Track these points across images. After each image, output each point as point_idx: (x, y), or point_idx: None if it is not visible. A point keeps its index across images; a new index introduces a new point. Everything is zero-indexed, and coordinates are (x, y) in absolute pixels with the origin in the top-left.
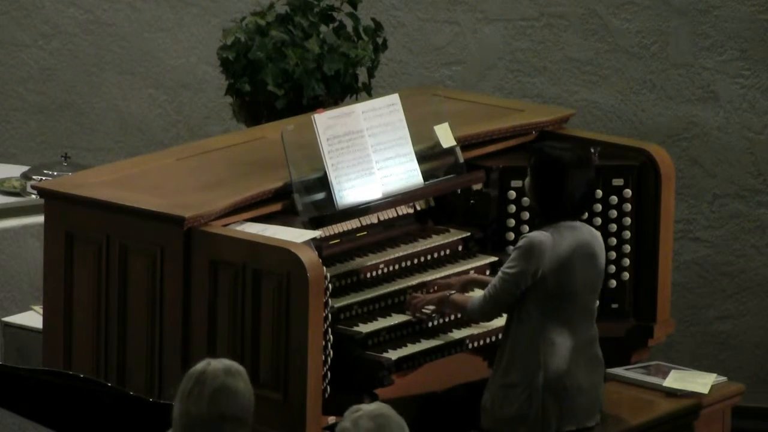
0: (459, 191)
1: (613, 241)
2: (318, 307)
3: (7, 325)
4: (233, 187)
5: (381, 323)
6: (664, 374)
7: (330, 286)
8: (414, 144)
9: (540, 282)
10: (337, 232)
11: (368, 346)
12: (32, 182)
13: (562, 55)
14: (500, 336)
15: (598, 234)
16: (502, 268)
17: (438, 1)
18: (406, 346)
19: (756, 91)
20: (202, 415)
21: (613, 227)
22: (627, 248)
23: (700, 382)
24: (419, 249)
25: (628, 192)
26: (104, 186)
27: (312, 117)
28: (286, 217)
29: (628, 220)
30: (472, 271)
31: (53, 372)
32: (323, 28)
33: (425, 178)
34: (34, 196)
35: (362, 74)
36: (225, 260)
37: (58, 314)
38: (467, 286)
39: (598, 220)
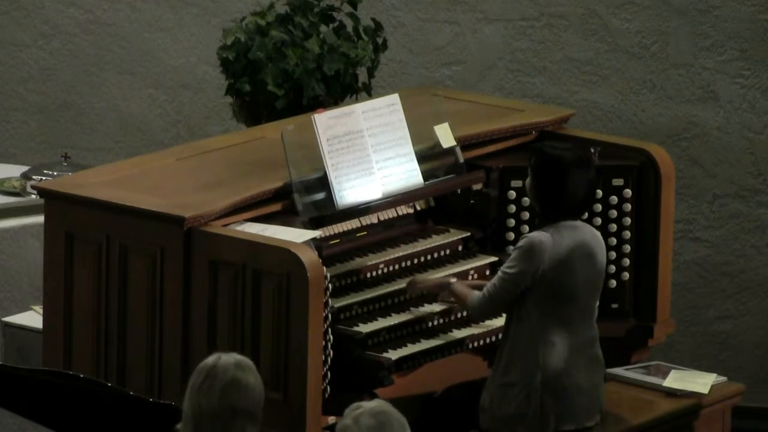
0: (459, 191)
1: (613, 241)
2: (318, 307)
3: (7, 325)
4: (233, 187)
5: (381, 323)
6: (664, 374)
7: (330, 286)
8: (414, 144)
9: (540, 282)
10: (337, 232)
11: (368, 346)
12: (32, 182)
13: (562, 55)
14: (500, 336)
15: (598, 234)
16: (501, 268)
17: (438, 1)
18: (406, 346)
19: (756, 91)
20: (213, 408)
21: (613, 227)
22: (627, 248)
23: (700, 382)
24: (419, 249)
25: (628, 192)
26: (104, 186)
27: (312, 117)
28: (286, 217)
29: (628, 220)
30: (472, 271)
31: (53, 372)
32: (323, 28)
33: (425, 178)
34: (34, 196)
35: (362, 74)
36: (225, 260)
37: (58, 314)
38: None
39: (598, 220)
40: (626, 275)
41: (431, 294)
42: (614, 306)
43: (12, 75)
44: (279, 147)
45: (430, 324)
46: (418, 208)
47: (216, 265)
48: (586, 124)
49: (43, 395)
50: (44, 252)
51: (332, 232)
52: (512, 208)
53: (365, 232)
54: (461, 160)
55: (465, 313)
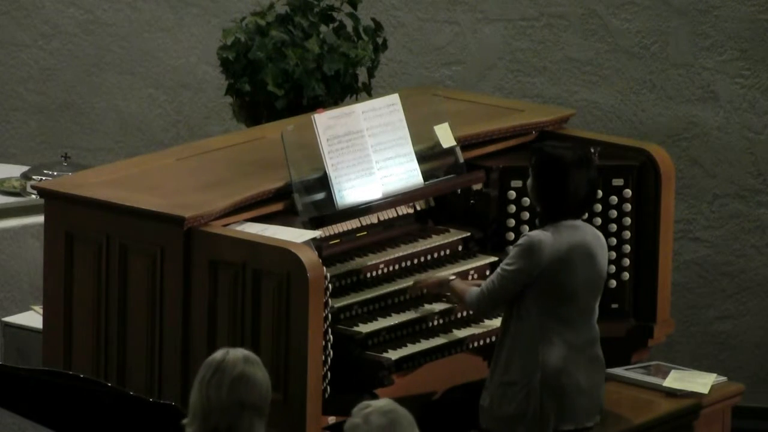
0: (459, 191)
1: (613, 241)
2: (318, 307)
3: (7, 325)
4: (233, 187)
5: (381, 323)
6: (664, 374)
7: (330, 286)
8: (414, 144)
9: (539, 281)
10: (337, 232)
11: (368, 346)
12: (32, 182)
13: (562, 55)
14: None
15: (600, 235)
16: (501, 265)
17: (438, 1)
18: (406, 346)
19: (756, 91)
20: (221, 402)
21: (613, 227)
22: (627, 248)
23: (700, 382)
24: (419, 249)
25: (628, 192)
26: (104, 186)
27: (312, 117)
28: (286, 217)
29: (628, 220)
30: (472, 271)
31: (53, 372)
32: (323, 28)
33: (425, 178)
34: (34, 196)
35: (362, 74)
36: (225, 260)
37: (58, 314)
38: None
39: (598, 220)
40: (626, 275)
41: (431, 292)
42: (614, 306)
43: (12, 75)
44: (279, 147)
45: (430, 324)
46: (418, 208)
47: (216, 265)
48: (586, 124)
49: (43, 395)
50: (44, 252)
51: (332, 232)
52: (512, 208)
53: (365, 232)
54: (461, 160)
55: (465, 313)
